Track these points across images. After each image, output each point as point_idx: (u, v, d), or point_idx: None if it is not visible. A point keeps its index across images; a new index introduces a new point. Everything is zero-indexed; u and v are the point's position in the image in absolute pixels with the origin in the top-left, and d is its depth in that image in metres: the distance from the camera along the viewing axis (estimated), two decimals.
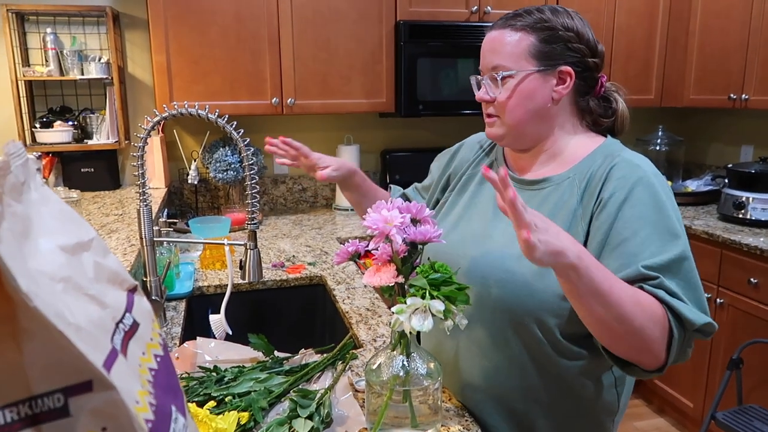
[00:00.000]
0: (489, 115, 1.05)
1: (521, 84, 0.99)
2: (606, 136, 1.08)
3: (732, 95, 2.64)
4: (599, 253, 0.91)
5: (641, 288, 0.85)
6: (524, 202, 0.74)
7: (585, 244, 0.94)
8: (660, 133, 3.22)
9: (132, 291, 0.54)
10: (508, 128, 1.03)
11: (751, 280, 2.26)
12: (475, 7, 2.64)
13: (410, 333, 0.85)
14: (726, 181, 2.66)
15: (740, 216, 2.51)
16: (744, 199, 2.50)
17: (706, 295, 2.48)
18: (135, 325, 0.50)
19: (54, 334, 0.38)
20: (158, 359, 0.51)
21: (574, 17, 1.02)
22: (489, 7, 2.65)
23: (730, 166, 2.66)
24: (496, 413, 1.05)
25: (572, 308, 0.88)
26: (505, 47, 1.00)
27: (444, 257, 0.96)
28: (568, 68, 1.00)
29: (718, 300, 2.43)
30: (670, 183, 3.12)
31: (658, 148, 3.21)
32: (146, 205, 1.35)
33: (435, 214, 1.20)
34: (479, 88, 1.06)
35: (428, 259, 0.91)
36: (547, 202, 1.01)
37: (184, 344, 1.27)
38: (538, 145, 1.06)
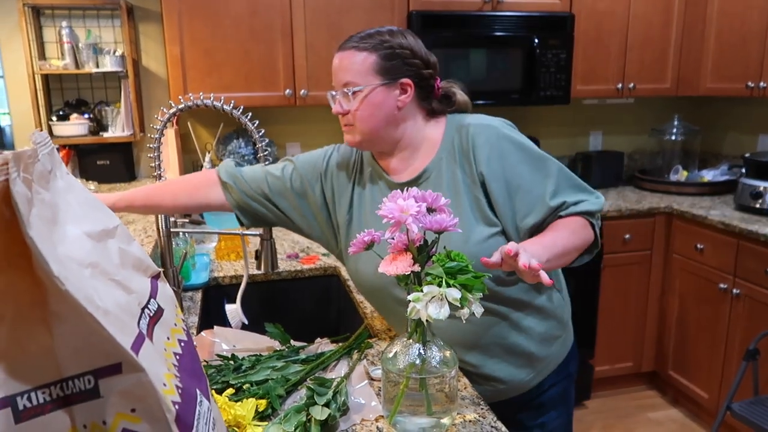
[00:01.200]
0: (346, 125, 1.18)
1: (369, 96, 1.13)
2: (444, 116, 1.22)
3: (750, 83, 2.60)
4: (506, 202, 1.12)
5: (559, 217, 1.10)
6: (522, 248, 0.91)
7: (489, 204, 1.13)
8: (676, 123, 3.19)
9: (155, 277, 0.55)
10: (363, 134, 1.17)
11: None
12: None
13: (427, 321, 0.85)
14: (743, 170, 2.63)
15: (758, 206, 2.48)
16: (762, 188, 2.47)
17: (722, 286, 2.46)
18: (160, 311, 0.51)
19: (84, 318, 0.39)
20: (182, 344, 0.52)
21: (407, 36, 1.17)
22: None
23: (747, 155, 2.63)
24: (494, 359, 1.19)
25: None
26: (354, 66, 1.13)
27: (369, 275, 1.16)
28: (408, 80, 1.15)
29: (734, 290, 2.41)
30: (685, 173, 3.09)
31: (674, 137, 3.18)
32: None
33: (339, 231, 1.29)
34: (334, 102, 1.18)
35: (444, 247, 0.91)
36: (439, 187, 1.15)
37: (202, 333, 1.28)
38: (396, 145, 1.19)
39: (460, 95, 1.24)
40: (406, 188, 1.04)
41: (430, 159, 1.18)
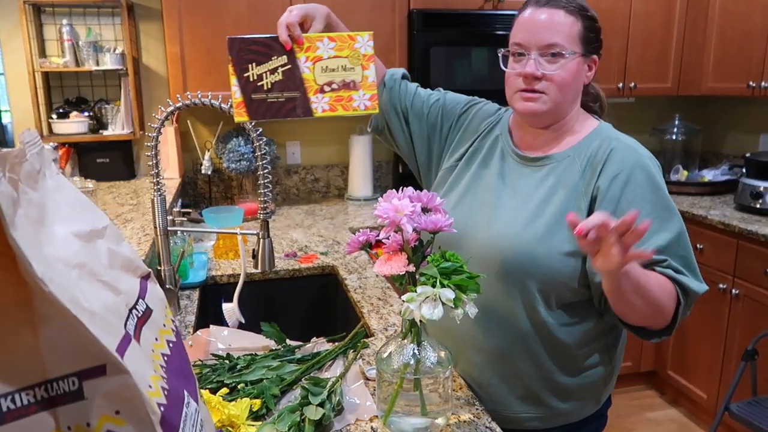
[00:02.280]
0: (534, 91, 1.08)
1: (571, 64, 1.06)
2: (598, 120, 1.17)
3: (751, 83, 2.59)
4: None
5: (653, 270, 0.99)
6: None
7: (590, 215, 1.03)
8: (677, 122, 3.18)
9: (145, 278, 0.55)
10: (553, 104, 1.08)
11: None
12: None
13: (421, 321, 0.85)
14: (744, 170, 2.62)
15: (758, 206, 2.48)
16: (762, 188, 2.47)
17: (721, 286, 2.45)
18: (148, 311, 0.51)
19: (69, 319, 0.39)
20: (171, 345, 0.52)
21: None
22: None
23: (748, 155, 2.62)
24: (492, 370, 1.12)
25: (569, 274, 1.03)
26: (564, 27, 1.05)
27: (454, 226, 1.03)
28: (596, 57, 1.11)
29: (733, 291, 2.40)
30: (686, 173, 3.08)
31: (674, 137, 3.17)
32: (160, 195, 1.36)
33: (437, 175, 1.29)
34: (505, 63, 1.11)
35: (439, 247, 0.91)
36: (548, 178, 1.10)
37: (198, 332, 1.28)
38: (559, 122, 1.13)
39: (599, 90, 1.20)
40: (528, 164, 1.10)
41: (561, 149, 1.12)
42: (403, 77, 1.34)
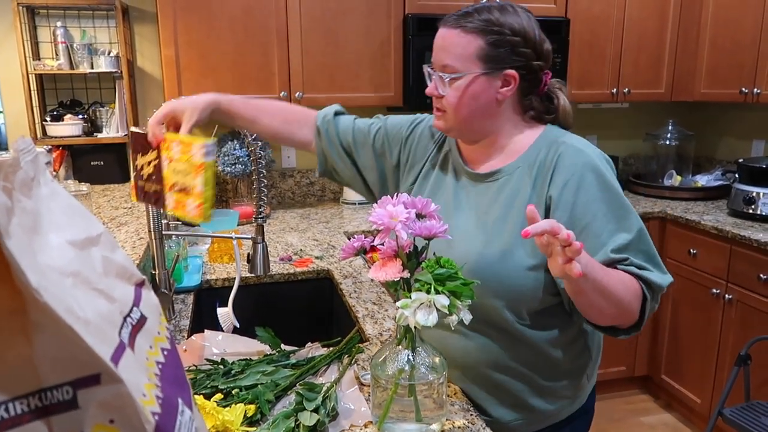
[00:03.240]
0: (437, 109, 1.10)
1: (468, 85, 1.04)
2: (545, 124, 1.12)
3: (744, 89, 2.61)
4: None
5: (616, 268, 0.97)
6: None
7: None
8: (670, 128, 3.20)
9: (140, 285, 0.54)
10: (453, 123, 1.08)
11: (761, 276, 2.25)
12: (484, 1, 2.63)
13: (415, 328, 0.85)
14: (737, 176, 2.64)
15: (750, 211, 2.49)
16: (755, 194, 2.48)
17: (714, 291, 2.47)
18: (143, 319, 0.50)
19: (63, 329, 0.39)
20: (165, 353, 0.52)
21: (521, 15, 1.05)
22: (498, 0, 2.63)
23: (741, 160, 2.64)
24: (476, 385, 1.12)
25: (534, 287, 1.03)
26: (456, 48, 1.03)
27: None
28: (513, 72, 1.04)
29: (726, 296, 2.42)
30: (679, 178, 3.10)
31: (668, 142, 3.19)
32: None
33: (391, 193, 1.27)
34: (430, 80, 1.10)
35: (434, 254, 0.91)
36: (502, 192, 1.08)
37: (192, 337, 1.28)
38: (485, 139, 1.11)
39: (563, 101, 1.12)
40: (479, 182, 1.07)
41: (509, 162, 1.09)
42: (337, 114, 1.32)
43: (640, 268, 0.98)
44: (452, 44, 1.03)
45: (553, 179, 1.02)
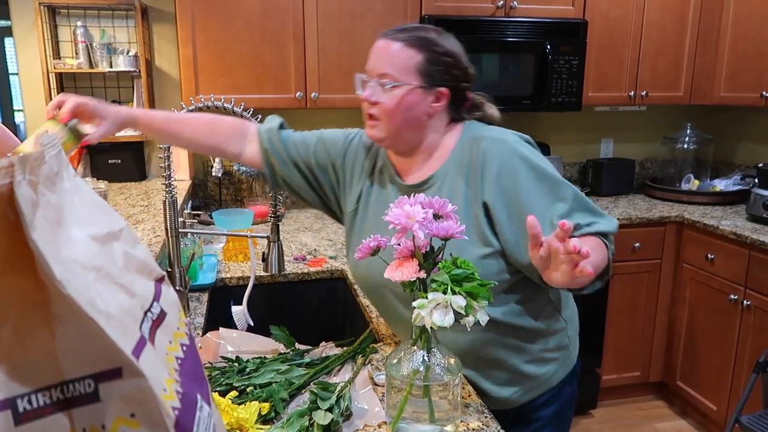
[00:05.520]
0: (371, 117, 1.13)
1: (405, 95, 1.09)
2: (462, 123, 1.17)
3: (764, 93, 2.57)
4: (509, 224, 1.06)
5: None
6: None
7: (489, 223, 1.08)
8: (688, 131, 3.16)
9: (159, 281, 0.55)
10: (387, 131, 1.12)
11: None
12: (501, 2, 2.62)
13: (431, 328, 0.85)
14: (756, 180, 2.60)
15: None
16: None
17: (732, 296, 2.43)
18: (162, 314, 0.51)
19: (86, 321, 0.39)
20: (184, 348, 0.52)
21: (453, 41, 1.13)
22: (515, 2, 2.62)
23: (760, 165, 2.60)
24: (472, 369, 1.16)
25: (496, 271, 1.08)
26: (398, 59, 1.09)
27: (374, 268, 1.09)
28: (445, 89, 1.11)
29: (745, 302, 2.38)
30: (697, 182, 3.07)
31: (686, 146, 3.15)
32: (171, 197, 1.37)
33: (337, 217, 1.33)
34: (364, 88, 1.14)
35: (450, 254, 0.91)
36: (440, 196, 1.08)
37: (207, 334, 1.29)
38: (414, 148, 1.16)
39: (490, 108, 1.20)
40: (412, 193, 1.04)
41: (438, 166, 1.15)
42: (281, 127, 1.33)
43: (590, 224, 1.05)
44: (394, 56, 1.09)
45: (485, 173, 1.07)
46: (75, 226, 0.48)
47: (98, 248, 0.48)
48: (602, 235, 1.05)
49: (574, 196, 1.07)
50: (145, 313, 0.48)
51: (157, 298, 0.51)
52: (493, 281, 1.05)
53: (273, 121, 1.33)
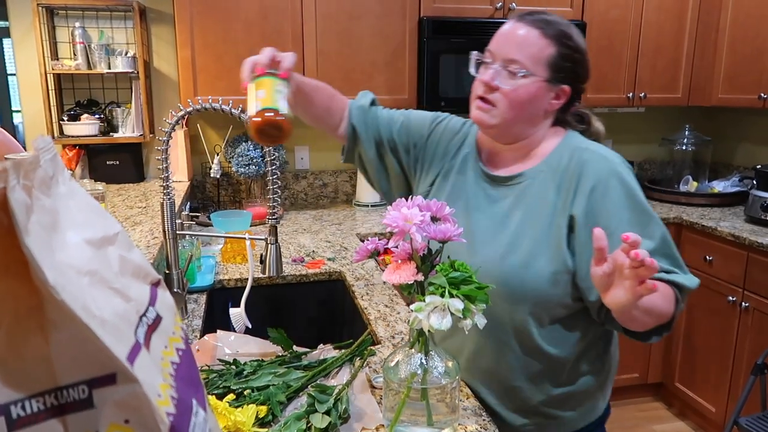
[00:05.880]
0: (485, 100, 1.07)
1: (530, 87, 1.03)
2: (565, 130, 1.13)
3: (763, 94, 2.58)
4: (589, 243, 0.95)
5: None
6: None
7: (568, 236, 1.03)
8: (687, 133, 3.16)
9: (155, 285, 0.54)
10: (501, 120, 1.06)
11: None
12: (500, 4, 2.62)
13: (429, 331, 0.84)
14: (754, 182, 2.60)
15: None
16: None
17: (731, 298, 2.43)
18: (158, 319, 0.50)
19: (80, 327, 0.39)
20: (180, 353, 0.52)
21: (583, 41, 1.08)
22: (513, 4, 2.63)
23: (759, 167, 2.60)
24: (488, 388, 1.12)
25: (559, 293, 1.03)
26: (532, 48, 1.03)
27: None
28: (567, 88, 1.07)
29: (743, 303, 2.38)
30: (695, 184, 3.07)
31: (684, 147, 3.15)
32: (169, 199, 1.37)
33: (413, 193, 1.26)
34: (484, 69, 1.07)
35: (448, 257, 0.91)
36: (525, 196, 1.08)
37: (205, 337, 1.28)
38: (515, 143, 1.11)
39: (597, 122, 1.16)
40: (497, 184, 1.05)
41: (531, 165, 1.10)
42: (372, 104, 1.29)
43: (668, 273, 0.98)
44: (528, 43, 1.03)
45: (580, 186, 1.02)
46: (70, 231, 0.47)
47: (93, 252, 0.48)
48: (677, 287, 0.98)
49: (663, 237, 1.01)
50: (141, 318, 0.47)
51: (152, 302, 0.51)
52: (556, 303, 1.04)
53: (365, 97, 1.30)
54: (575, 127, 1.14)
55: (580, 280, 1.02)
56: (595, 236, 0.81)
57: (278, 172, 1.34)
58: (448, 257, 0.90)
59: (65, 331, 0.40)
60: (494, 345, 1.09)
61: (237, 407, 0.98)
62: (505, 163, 1.13)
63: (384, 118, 1.27)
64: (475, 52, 1.10)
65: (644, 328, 0.98)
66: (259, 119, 1.01)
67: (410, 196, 1.21)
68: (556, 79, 1.05)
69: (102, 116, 2.61)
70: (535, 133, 1.10)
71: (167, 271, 1.43)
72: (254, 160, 2.59)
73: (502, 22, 2.88)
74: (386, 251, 0.97)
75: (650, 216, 1.01)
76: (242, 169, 2.60)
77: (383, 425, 0.98)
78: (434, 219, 0.92)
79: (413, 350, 0.92)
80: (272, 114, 1.01)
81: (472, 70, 1.10)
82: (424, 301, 0.83)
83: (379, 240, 0.97)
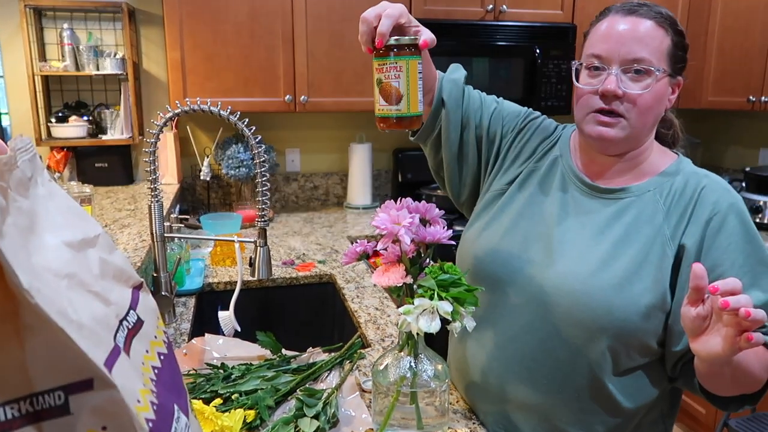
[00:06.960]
0: (613, 113, 0.92)
1: (658, 85, 0.91)
2: (676, 154, 1.04)
3: (751, 97, 2.59)
4: None
5: None
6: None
7: (676, 267, 0.91)
8: None
9: (137, 288, 0.53)
10: (632, 131, 0.93)
11: None
12: (491, 6, 2.62)
13: (418, 334, 0.84)
14: (744, 184, 2.62)
15: (758, 220, 2.47)
16: (762, 203, 2.46)
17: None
18: (139, 323, 0.49)
19: (55, 332, 0.38)
20: (162, 357, 0.51)
21: None
22: (504, 6, 2.63)
23: (748, 169, 2.62)
24: (528, 426, 1.00)
25: (649, 330, 0.90)
26: (653, 41, 0.90)
27: (501, 256, 1.00)
28: (682, 80, 0.96)
29: None
30: None
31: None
32: (157, 201, 1.35)
33: (485, 192, 1.12)
34: (578, 77, 0.95)
35: (438, 260, 0.90)
36: (626, 213, 0.95)
37: (193, 341, 1.27)
38: (632, 151, 0.98)
39: (680, 127, 1.06)
40: (595, 196, 0.97)
41: (638, 181, 0.97)
42: (466, 81, 1.13)
43: None
44: (648, 36, 0.89)
45: (695, 214, 0.91)
46: (48, 233, 0.46)
47: (72, 255, 0.47)
48: None
49: None
50: (121, 322, 0.46)
51: (133, 306, 0.50)
52: (640, 342, 0.90)
53: (458, 71, 1.12)
54: (667, 131, 1.04)
55: (674, 322, 0.89)
56: (694, 273, 0.70)
57: (268, 175, 1.33)
58: (438, 260, 0.90)
59: (41, 336, 0.39)
60: (555, 376, 0.95)
61: (224, 412, 0.97)
62: (607, 174, 1.00)
63: (476, 99, 1.12)
64: (575, 61, 0.97)
65: (728, 392, 0.86)
66: (398, 126, 0.90)
67: (488, 187, 1.10)
68: (675, 71, 0.93)
69: (90, 118, 2.59)
70: (648, 139, 0.98)
71: (155, 274, 1.41)
72: (244, 163, 2.58)
73: (493, 25, 2.85)
74: (376, 253, 0.96)
75: (767, 267, 0.89)
76: (232, 172, 2.58)
77: (372, 429, 0.97)
78: (423, 221, 0.91)
79: (402, 353, 0.91)
80: (411, 120, 0.90)
81: (574, 80, 0.96)
82: (413, 303, 0.83)
83: (368, 242, 0.96)
